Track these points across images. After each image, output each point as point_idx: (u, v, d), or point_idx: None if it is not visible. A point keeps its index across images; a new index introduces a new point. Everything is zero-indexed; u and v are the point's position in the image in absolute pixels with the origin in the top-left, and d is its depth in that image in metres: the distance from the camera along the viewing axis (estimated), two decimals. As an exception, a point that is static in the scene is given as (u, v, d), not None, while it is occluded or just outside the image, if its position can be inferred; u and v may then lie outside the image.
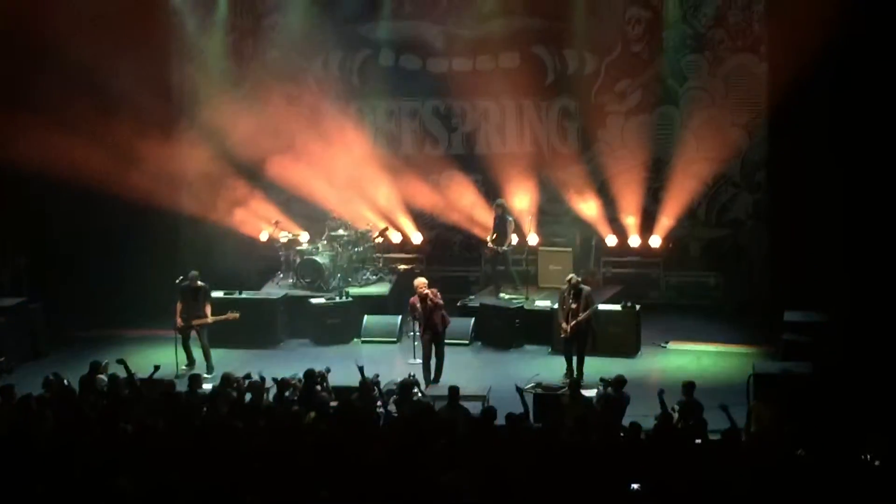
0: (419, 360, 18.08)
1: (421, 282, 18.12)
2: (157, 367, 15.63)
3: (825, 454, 11.47)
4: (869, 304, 18.37)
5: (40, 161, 20.24)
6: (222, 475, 10.85)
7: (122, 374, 15.08)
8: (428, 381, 17.41)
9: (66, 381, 14.99)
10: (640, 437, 12.27)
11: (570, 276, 18.32)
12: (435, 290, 17.98)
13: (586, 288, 18.07)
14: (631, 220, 22.37)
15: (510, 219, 21.11)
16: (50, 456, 11.50)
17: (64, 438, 12.17)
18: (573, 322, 17.66)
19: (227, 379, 14.86)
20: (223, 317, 18.79)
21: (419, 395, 14.97)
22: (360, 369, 15.02)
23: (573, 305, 17.74)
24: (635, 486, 10.84)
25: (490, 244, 21.17)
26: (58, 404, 13.83)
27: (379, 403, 14.34)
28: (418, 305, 17.86)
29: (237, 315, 18.93)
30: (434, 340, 17.90)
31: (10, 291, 21.08)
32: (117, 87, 21.02)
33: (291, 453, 11.53)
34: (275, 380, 15.11)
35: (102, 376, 15.30)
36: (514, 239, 21.25)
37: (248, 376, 15.17)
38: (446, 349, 18.08)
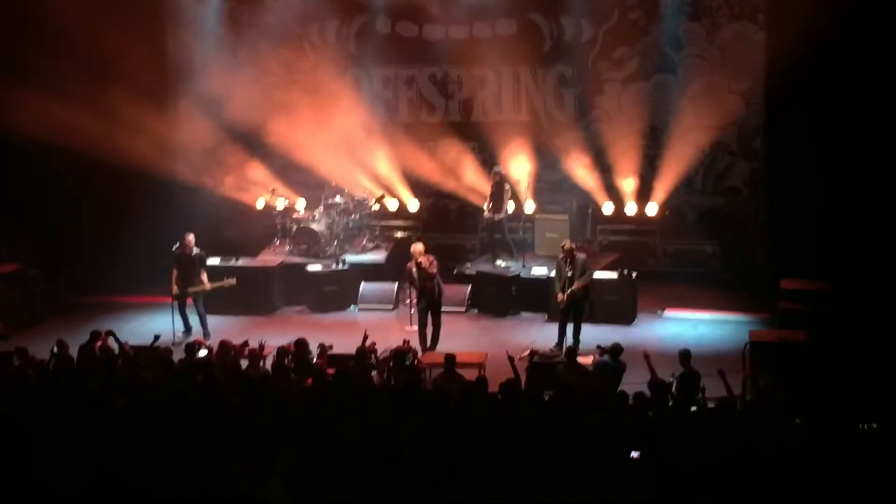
0: (416, 328, 18.10)
1: (417, 248, 18.07)
2: (156, 337, 15.69)
3: (822, 422, 11.50)
4: (866, 272, 18.40)
5: (36, 129, 20.15)
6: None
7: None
8: (424, 349, 17.45)
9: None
10: (637, 405, 12.30)
11: (565, 242, 18.28)
12: (432, 258, 17.96)
13: (581, 255, 18.07)
14: (628, 188, 22.32)
15: (507, 186, 21.08)
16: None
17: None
18: (568, 290, 17.64)
19: (223, 346, 14.89)
20: (220, 283, 18.82)
21: (414, 362, 15.02)
22: (364, 337, 15.12)
23: (568, 273, 17.72)
24: (635, 454, 10.87)
25: (487, 212, 21.15)
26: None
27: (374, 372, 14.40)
28: (414, 272, 17.85)
29: (234, 281, 18.96)
30: (429, 308, 17.90)
31: (7, 258, 21.09)
32: (112, 54, 20.90)
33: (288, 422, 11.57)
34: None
35: (112, 342, 15.30)
36: (511, 207, 21.23)
37: (245, 343, 15.20)
38: (443, 317, 18.09)
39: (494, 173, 21.18)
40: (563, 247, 18.01)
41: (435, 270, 17.89)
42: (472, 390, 12.74)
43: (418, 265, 17.78)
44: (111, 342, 15.25)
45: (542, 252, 21.45)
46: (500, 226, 21.11)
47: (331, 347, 15.29)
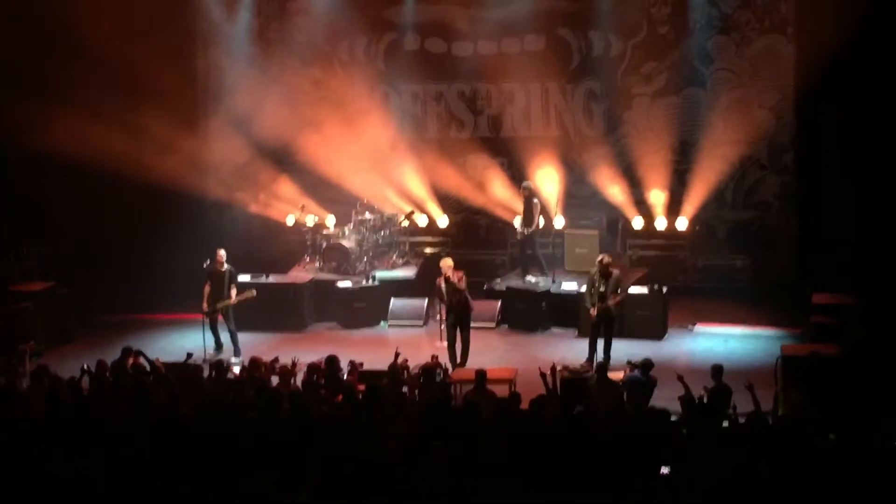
0: (445, 344, 18.10)
1: (446, 263, 18.06)
2: (189, 355, 15.72)
3: (854, 438, 11.41)
4: (897, 286, 18.29)
5: (67, 148, 20.29)
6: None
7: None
8: (454, 365, 17.44)
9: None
10: (669, 421, 12.24)
11: (602, 256, 18.22)
12: (461, 274, 17.94)
13: (616, 272, 18.00)
14: (658, 203, 22.29)
15: (536, 201, 21.04)
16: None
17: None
18: (601, 305, 17.59)
19: (254, 363, 14.91)
20: (242, 297, 18.83)
21: (441, 377, 15.00)
22: (396, 355, 15.13)
23: (601, 289, 17.67)
24: (665, 469, 10.82)
25: (518, 227, 21.11)
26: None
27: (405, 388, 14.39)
28: (443, 286, 17.86)
29: (254, 293, 18.97)
30: (458, 324, 17.88)
31: (38, 277, 21.21)
32: (143, 73, 21.05)
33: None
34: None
35: (143, 361, 15.35)
36: (542, 222, 21.20)
37: (275, 360, 15.22)
38: (473, 333, 18.07)
39: (524, 188, 21.15)
40: (600, 261, 17.93)
41: (464, 286, 17.87)
42: (505, 406, 12.72)
43: (447, 280, 17.78)
44: (142, 360, 15.28)
45: (572, 267, 21.36)
46: (531, 241, 21.07)
47: (361, 365, 15.28)
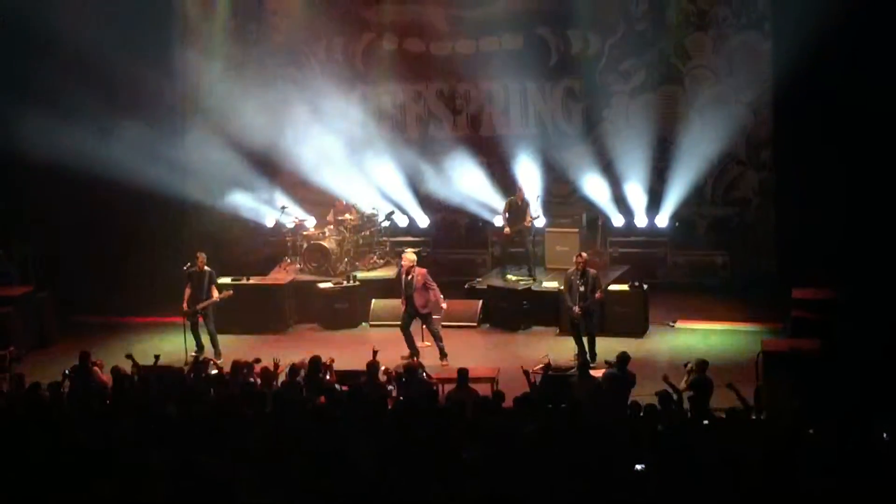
0: (428, 343, 18.14)
1: (407, 257, 18.49)
2: (157, 357, 15.69)
3: (835, 432, 11.45)
4: (876, 280, 18.34)
5: (45, 150, 20.23)
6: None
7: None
8: (413, 354, 17.67)
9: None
10: (648, 416, 12.28)
11: (581, 253, 18.27)
12: (423, 272, 18.18)
13: (592, 271, 18.05)
14: (637, 200, 22.34)
15: (526, 199, 20.98)
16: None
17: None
18: (582, 304, 17.61)
19: (236, 367, 14.86)
20: (220, 296, 18.79)
21: (424, 375, 15.02)
22: (374, 353, 15.15)
23: (581, 288, 17.71)
24: (639, 466, 10.85)
25: (505, 224, 21.07)
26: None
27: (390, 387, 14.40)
28: (402, 278, 18.01)
29: (231, 292, 18.96)
30: (419, 318, 18.14)
31: (18, 281, 21.12)
32: (121, 74, 21.00)
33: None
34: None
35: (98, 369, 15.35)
36: (535, 219, 21.11)
37: (257, 360, 15.19)
38: (454, 332, 18.09)
39: (520, 189, 21.12)
40: (578, 257, 18.00)
41: (421, 284, 18.00)
42: (489, 404, 12.74)
43: (406, 271, 17.93)
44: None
45: (553, 265, 21.39)
46: (523, 238, 20.99)
47: (332, 361, 15.24)
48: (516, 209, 20.94)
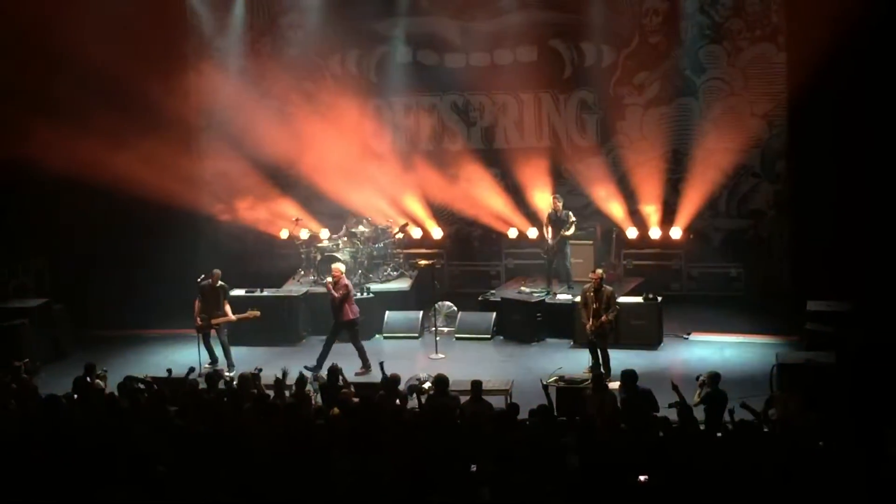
0: (441, 356, 18.11)
1: (333, 268, 18.57)
2: (169, 371, 15.78)
3: (849, 445, 11.41)
4: (892, 293, 18.26)
5: (61, 164, 20.29)
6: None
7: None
8: (364, 365, 17.80)
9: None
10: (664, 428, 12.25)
11: (596, 269, 18.21)
12: (344, 283, 18.27)
13: (608, 288, 17.96)
14: (651, 212, 22.33)
15: (562, 211, 20.85)
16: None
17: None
18: (595, 322, 17.54)
19: (244, 378, 14.83)
20: (245, 315, 18.84)
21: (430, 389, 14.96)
22: (381, 365, 15.11)
23: (594, 305, 17.66)
24: (642, 477, 10.82)
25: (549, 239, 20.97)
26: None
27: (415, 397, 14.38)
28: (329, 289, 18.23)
29: (258, 313, 18.97)
30: (344, 328, 18.23)
31: (33, 293, 21.18)
32: (136, 88, 21.06)
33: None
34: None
35: (100, 381, 15.38)
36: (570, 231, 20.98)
37: (259, 370, 15.18)
38: (468, 344, 18.00)
39: (556, 197, 21.03)
40: (593, 274, 17.92)
41: (338, 295, 18.11)
42: (505, 417, 12.73)
43: (333, 285, 18.15)
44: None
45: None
46: (560, 251, 20.93)
47: (340, 369, 15.23)
48: (556, 220, 20.87)
